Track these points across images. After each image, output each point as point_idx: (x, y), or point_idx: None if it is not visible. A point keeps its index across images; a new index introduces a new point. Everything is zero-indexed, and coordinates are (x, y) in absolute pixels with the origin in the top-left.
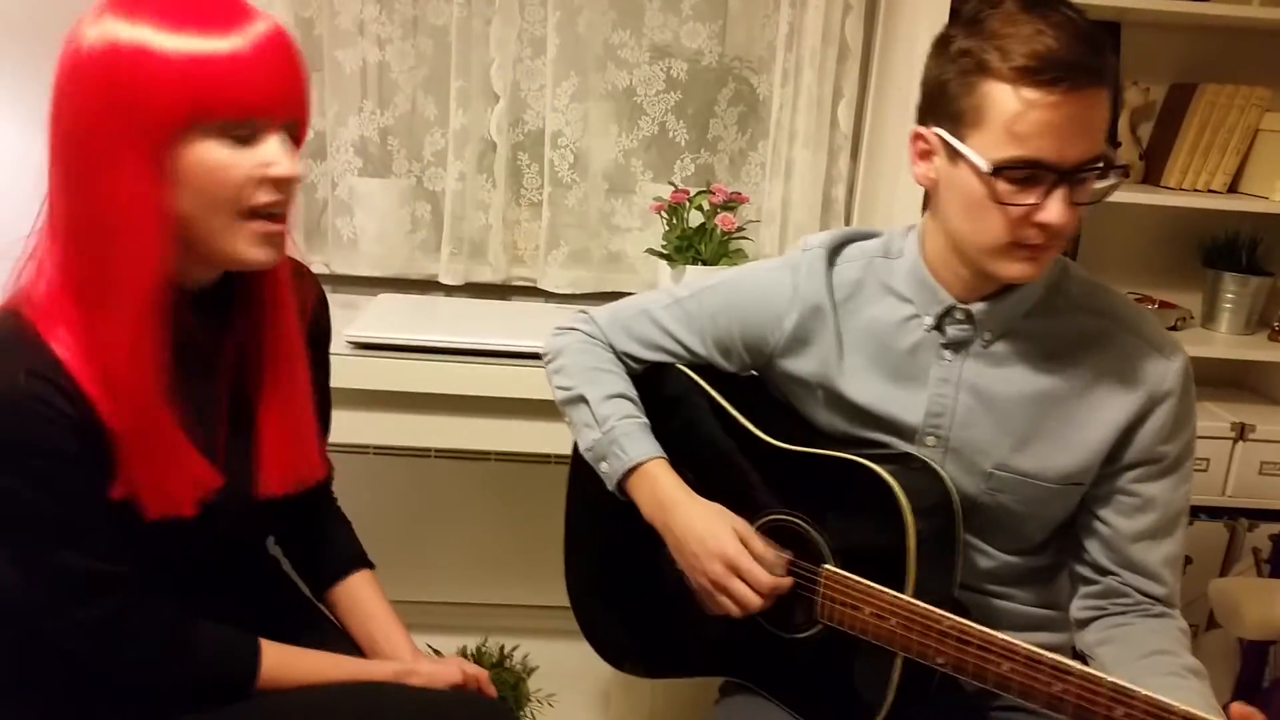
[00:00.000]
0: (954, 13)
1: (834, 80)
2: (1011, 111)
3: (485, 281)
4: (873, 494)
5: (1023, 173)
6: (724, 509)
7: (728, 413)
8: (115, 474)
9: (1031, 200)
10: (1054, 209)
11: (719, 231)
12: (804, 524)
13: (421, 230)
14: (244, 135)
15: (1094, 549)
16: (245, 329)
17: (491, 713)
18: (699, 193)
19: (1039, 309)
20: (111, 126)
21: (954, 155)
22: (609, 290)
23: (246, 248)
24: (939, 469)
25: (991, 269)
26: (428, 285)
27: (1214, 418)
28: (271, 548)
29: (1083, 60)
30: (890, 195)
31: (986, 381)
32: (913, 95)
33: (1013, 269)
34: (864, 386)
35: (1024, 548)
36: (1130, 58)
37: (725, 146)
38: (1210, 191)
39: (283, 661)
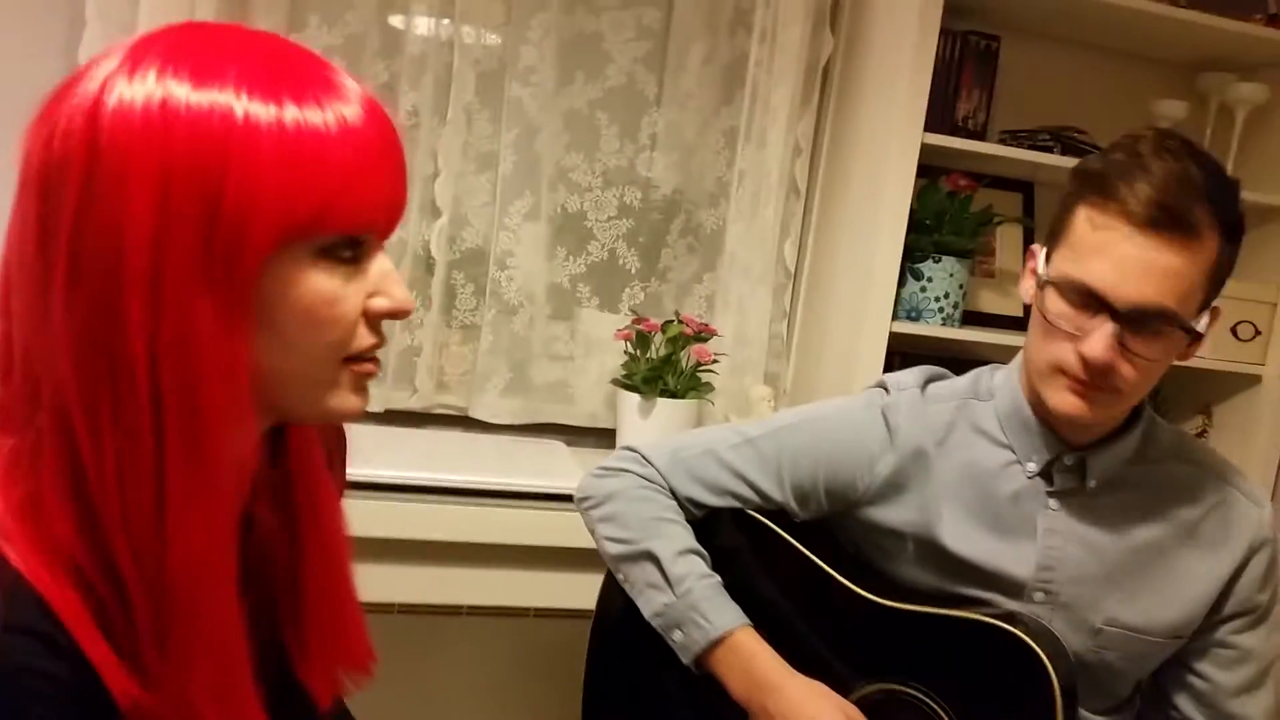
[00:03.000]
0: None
1: (782, 218)
2: (1083, 233)
3: (405, 409)
4: (1013, 662)
5: (1075, 296)
6: (828, 689)
7: (808, 563)
8: None
9: (1076, 327)
10: (1094, 342)
11: (689, 363)
12: (922, 696)
13: None
14: (347, 257)
15: (1187, 704)
16: (278, 516)
17: None
18: (669, 323)
19: (1136, 457)
20: (178, 239)
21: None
22: (546, 421)
23: (345, 397)
24: (1049, 626)
25: (1042, 394)
26: None
27: None
28: None
29: (1170, 206)
30: (839, 337)
31: (1095, 532)
32: (858, 236)
33: (1056, 398)
34: (966, 538)
35: (1112, 706)
36: (1043, 212)
37: (674, 276)
38: None
39: None
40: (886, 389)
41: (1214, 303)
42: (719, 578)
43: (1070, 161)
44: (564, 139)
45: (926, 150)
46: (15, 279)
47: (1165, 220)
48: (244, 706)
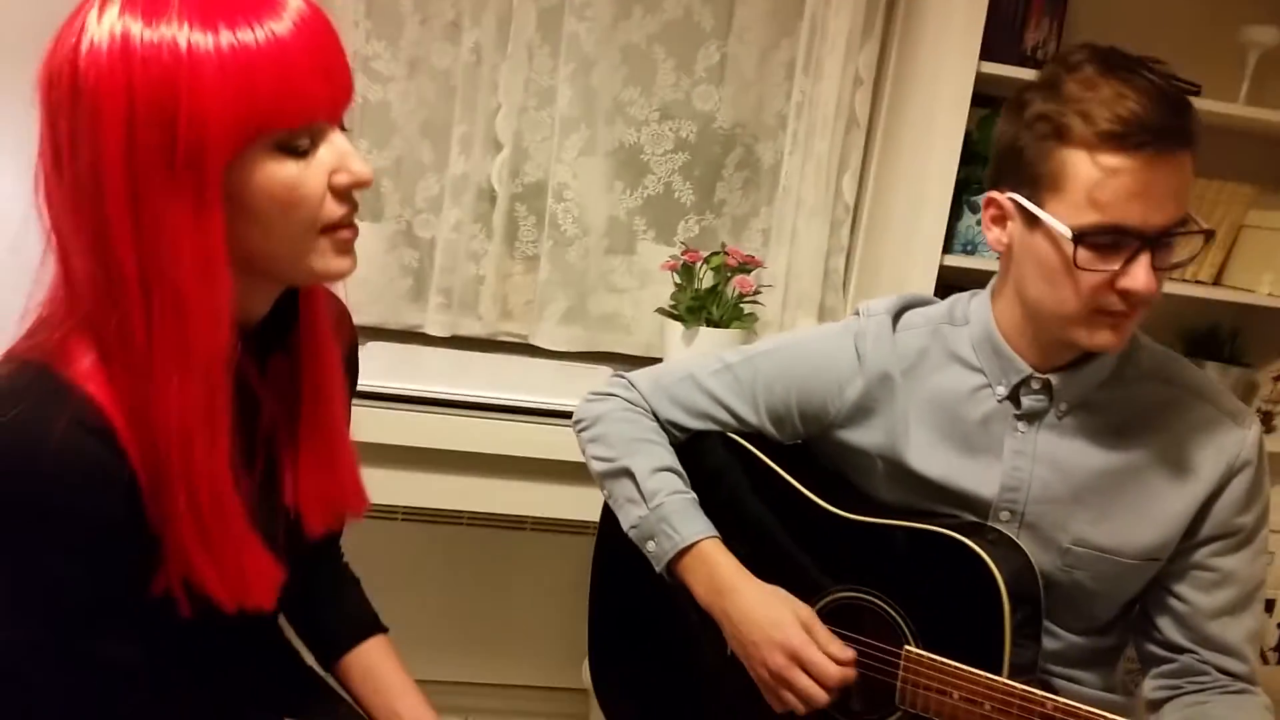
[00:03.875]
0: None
1: (841, 151)
2: (1094, 178)
3: (472, 335)
4: (960, 569)
5: (1106, 239)
6: (786, 593)
7: (784, 483)
8: (162, 560)
9: (1114, 267)
10: (1139, 275)
11: (734, 294)
12: (879, 602)
13: (407, 278)
14: (305, 145)
15: (1168, 627)
16: (287, 364)
17: None
18: (714, 254)
19: (1112, 379)
20: (144, 158)
21: (1032, 221)
22: (604, 350)
23: (329, 260)
24: (1017, 541)
25: (1073, 338)
26: (409, 335)
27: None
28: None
29: (1167, 123)
30: (894, 268)
31: (1062, 454)
32: (928, 167)
33: (1096, 338)
34: (932, 459)
35: (1091, 627)
36: None
37: (729, 210)
38: (1196, 281)
39: None
40: (860, 316)
41: None
42: (693, 494)
43: None
44: (621, 73)
45: (991, 81)
46: (48, 194)
47: (1169, 137)
48: (228, 515)
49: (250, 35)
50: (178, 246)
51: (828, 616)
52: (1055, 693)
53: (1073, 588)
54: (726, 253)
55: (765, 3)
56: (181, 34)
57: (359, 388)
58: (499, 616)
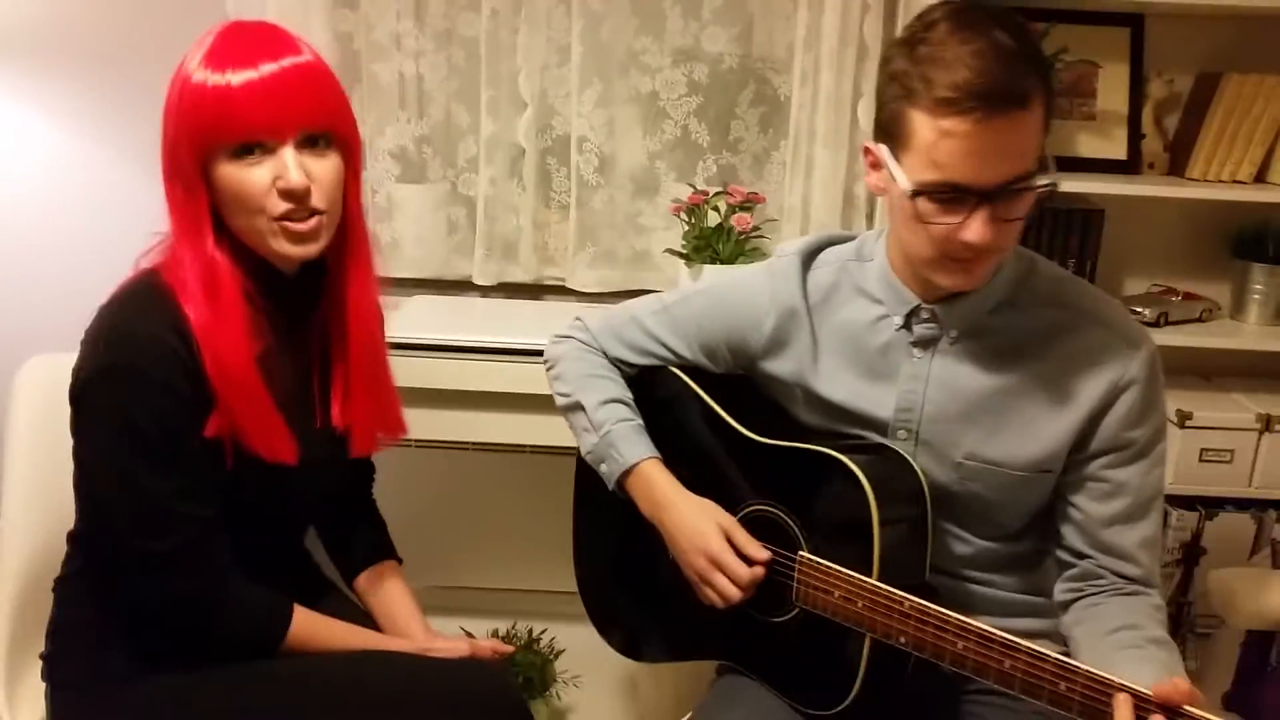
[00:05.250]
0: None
1: (854, 79)
2: (930, 139)
3: (517, 281)
4: (841, 483)
5: (944, 195)
6: (712, 505)
7: (714, 412)
8: (213, 421)
9: (955, 220)
10: (975, 228)
11: (735, 231)
12: (781, 514)
13: (457, 233)
14: (256, 156)
15: (1069, 534)
16: (335, 308)
17: (487, 677)
18: (716, 193)
19: (1004, 305)
20: (176, 145)
21: (890, 173)
22: (635, 289)
23: (281, 245)
24: (909, 459)
25: (931, 278)
26: (462, 285)
27: (1241, 409)
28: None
29: (999, 88)
30: None
31: (953, 376)
32: None
33: (947, 280)
34: (838, 385)
35: (1001, 534)
36: (1154, 49)
37: (747, 147)
38: (1237, 182)
39: (310, 627)
40: (775, 256)
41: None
42: (638, 421)
43: None
44: (632, 24)
45: None
46: None
47: (998, 101)
48: (252, 396)
49: (222, 78)
50: (179, 209)
51: (746, 525)
52: (971, 595)
53: (971, 498)
54: (728, 192)
55: None
56: (188, 70)
57: (413, 340)
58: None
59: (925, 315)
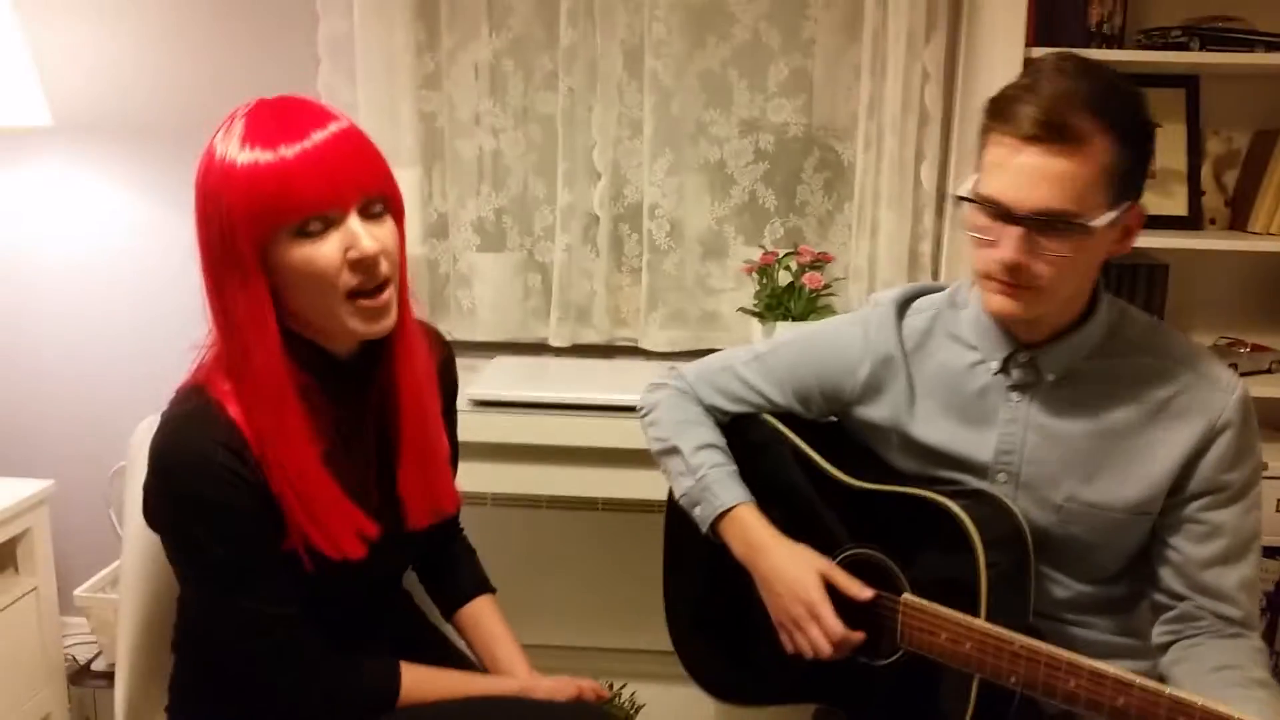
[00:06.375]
0: None
1: (915, 143)
2: (989, 154)
3: (590, 343)
4: (945, 527)
5: (986, 209)
6: (809, 551)
7: (809, 457)
8: (285, 530)
9: (989, 236)
10: (1005, 246)
11: (807, 290)
12: (882, 556)
13: (533, 298)
14: (318, 230)
15: (1167, 576)
16: (386, 387)
17: (597, 718)
18: (787, 254)
19: (1099, 351)
20: (228, 235)
21: None
22: (705, 348)
23: (352, 324)
24: (1009, 503)
25: (982, 299)
26: (538, 348)
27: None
28: (405, 581)
29: (1054, 118)
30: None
31: (1051, 420)
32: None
33: (990, 300)
34: (935, 429)
35: (1098, 577)
36: (1211, 109)
37: (813, 210)
38: (1270, 234)
39: (419, 681)
40: (870, 305)
41: (1127, 200)
42: (733, 466)
43: (1222, 56)
44: (700, 98)
45: None
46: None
47: (1046, 133)
48: (317, 493)
49: (263, 156)
50: (235, 305)
51: (844, 568)
52: (1070, 637)
53: (1070, 540)
54: (798, 252)
55: (829, 15)
56: (230, 154)
57: (494, 398)
58: (625, 590)
59: (1023, 360)
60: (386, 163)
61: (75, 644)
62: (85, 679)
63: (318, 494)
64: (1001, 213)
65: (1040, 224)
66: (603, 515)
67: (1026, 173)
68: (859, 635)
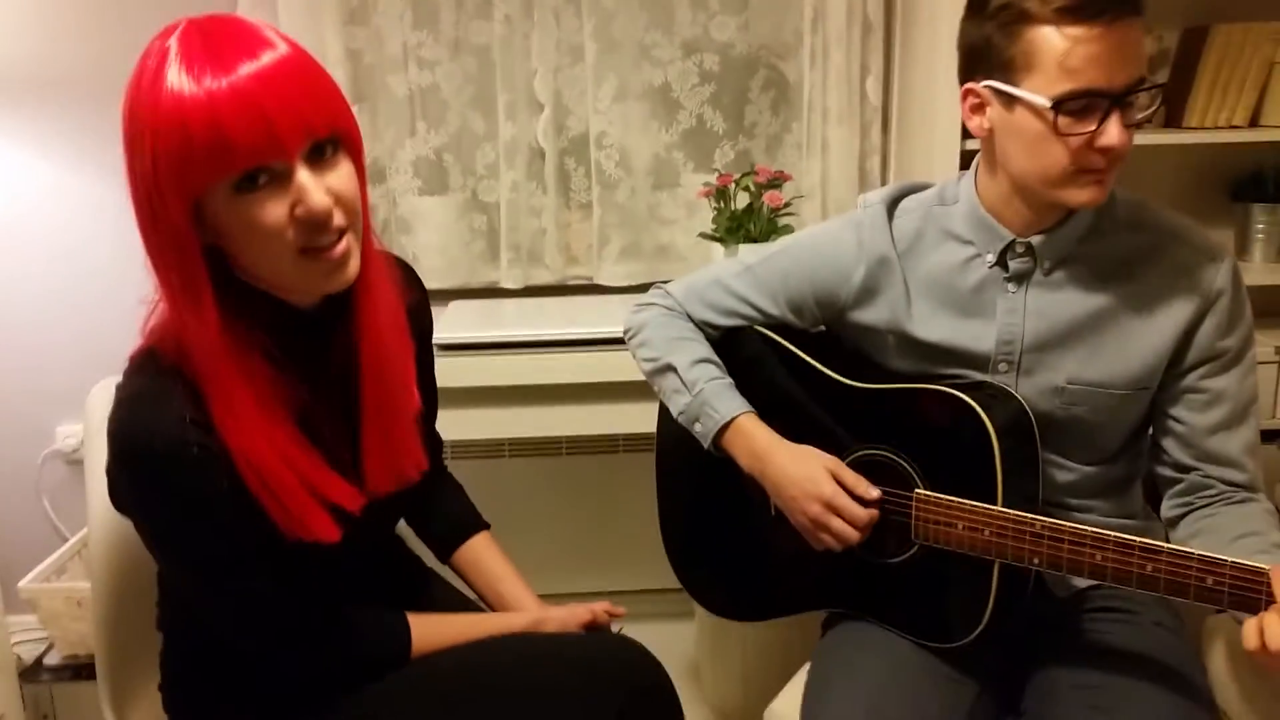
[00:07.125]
0: None
1: (860, 57)
2: (1061, 50)
3: (544, 283)
4: (957, 418)
5: (1080, 103)
6: (815, 450)
7: (806, 363)
8: (260, 508)
9: (1090, 128)
10: (1112, 132)
11: (767, 210)
12: (891, 455)
13: (480, 241)
14: (263, 183)
15: (1173, 448)
16: (349, 340)
17: (624, 647)
18: (744, 175)
19: (1090, 234)
20: (149, 193)
21: (1010, 102)
22: (662, 280)
23: (312, 281)
24: (1012, 391)
25: (1062, 199)
26: (491, 292)
27: (1256, 344)
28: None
29: None
30: (925, 161)
31: (1049, 305)
32: (936, 64)
33: (1082, 195)
34: (934, 326)
35: (1100, 458)
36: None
37: (761, 130)
38: (1232, 127)
39: (429, 629)
40: (860, 208)
41: None
42: (729, 379)
43: None
44: (641, 20)
45: None
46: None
47: (1120, 7)
48: (291, 489)
49: (189, 92)
50: (170, 274)
51: (854, 469)
52: (1072, 521)
53: (1074, 422)
54: (755, 172)
55: None
56: (152, 94)
57: (452, 340)
58: (593, 533)
59: (1020, 250)
60: (339, 91)
61: (22, 641)
62: (39, 674)
63: (280, 482)
64: (1098, 101)
65: (1130, 97)
66: (566, 460)
67: (1115, 52)
68: (877, 512)
